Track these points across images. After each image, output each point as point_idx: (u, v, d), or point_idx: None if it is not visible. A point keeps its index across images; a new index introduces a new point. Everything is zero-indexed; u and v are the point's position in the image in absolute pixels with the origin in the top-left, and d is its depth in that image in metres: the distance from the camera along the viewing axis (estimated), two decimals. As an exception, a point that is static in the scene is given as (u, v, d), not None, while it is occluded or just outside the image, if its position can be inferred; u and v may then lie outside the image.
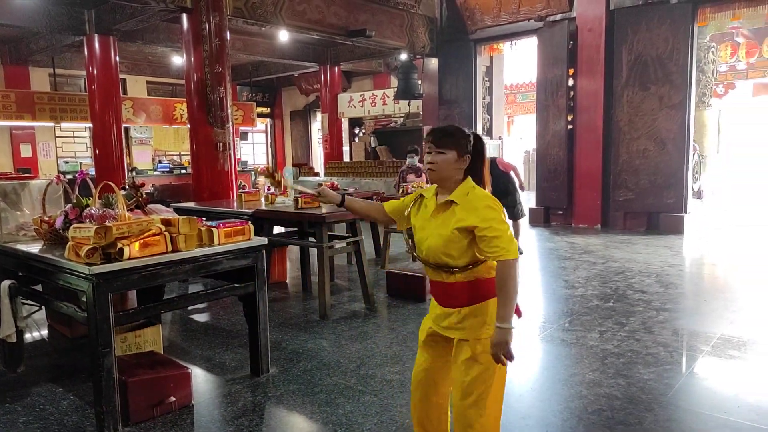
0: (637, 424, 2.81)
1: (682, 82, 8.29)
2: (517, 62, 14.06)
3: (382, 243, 6.91)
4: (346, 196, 2.34)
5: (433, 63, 11.16)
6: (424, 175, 7.85)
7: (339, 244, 5.34)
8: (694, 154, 9.40)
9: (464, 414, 1.99)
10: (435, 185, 2.10)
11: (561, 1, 9.18)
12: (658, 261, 6.61)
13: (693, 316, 4.70)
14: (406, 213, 2.21)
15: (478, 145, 2.06)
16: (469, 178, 2.04)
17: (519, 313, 2.11)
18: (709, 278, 6.25)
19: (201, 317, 5.01)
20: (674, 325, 4.37)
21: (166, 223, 2.93)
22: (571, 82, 9.31)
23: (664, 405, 3.02)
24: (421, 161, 8.29)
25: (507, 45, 10.76)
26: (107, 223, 2.70)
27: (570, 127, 9.38)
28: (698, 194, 9.92)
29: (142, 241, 2.73)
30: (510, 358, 1.89)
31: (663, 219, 8.62)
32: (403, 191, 6.89)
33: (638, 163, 8.73)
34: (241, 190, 6.76)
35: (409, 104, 12.22)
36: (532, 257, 7.25)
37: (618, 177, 8.93)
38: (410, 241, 2.21)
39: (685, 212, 8.52)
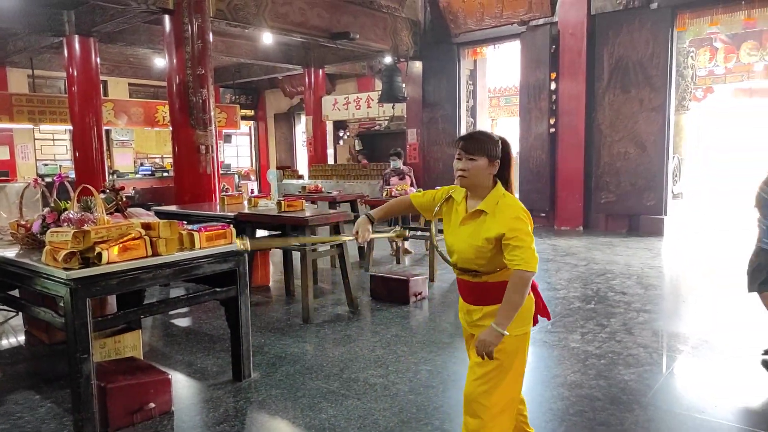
0: (617, 425, 2.83)
1: (662, 85, 8.41)
2: (501, 66, 14.15)
3: (365, 246, 6.90)
4: (370, 215, 2.36)
5: (417, 66, 11.19)
6: (407, 177, 7.87)
7: (322, 247, 5.34)
8: (673, 158, 9.52)
9: (474, 396, 2.05)
10: (464, 188, 2.14)
11: (543, 6, 9.26)
12: (638, 263, 6.69)
13: (672, 317, 4.77)
14: (435, 210, 2.25)
15: (506, 149, 2.10)
16: (499, 185, 2.08)
17: (548, 316, 2.27)
18: (688, 280, 6.34)
19: (182, 322, 4.95)
20: (654, 326, 4.42)
21: (146, 226, 2.90)
22: (553, 86, 9.39)
23: (644, 406, 3.05)
24: (405, 164, 8.31)
25: (490, 48, 10.83)
26: (85, 227, 2.67)
27: (552, 130, 9.46)
28: (678, 197, 10.06)
29: (121, 245, 2.70)
30: (490, 357, 1.96)
31: (643, 221, 8.74)
32: (387, 194, 6.89)
33: (619, 165, 8.84)
34: (223, 193, 6.72)
35: (393, 107, 12.24)
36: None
37: (599, 179, 9.03)
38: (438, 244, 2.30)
39: (665, 215, 8.64)
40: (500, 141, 2.09)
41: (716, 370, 3.59)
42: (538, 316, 2.24)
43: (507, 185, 2.10)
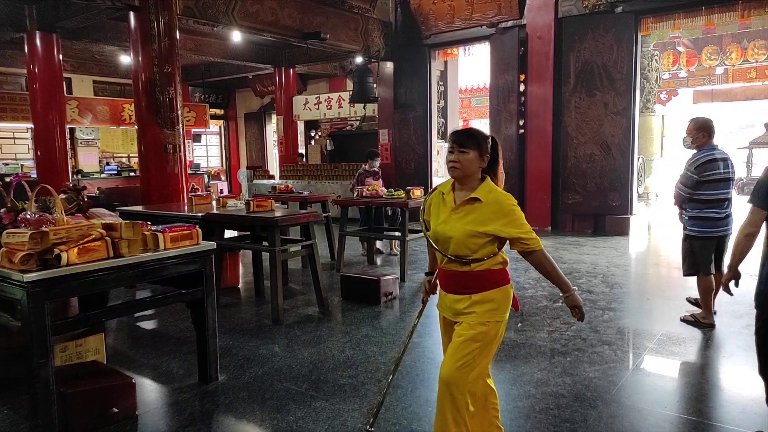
0: (582, 422, 2.89)
1: (626, 89, 8.61)
2: (472, 67, 14.29)
3: (336, 246, 6.88)
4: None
5: (389, 67, 11.21)
6: (380, 178, 7.85)
7: (293, 248, 5.30)
8: (638, 159, 9.75)
9: (453, 378, 2.14)
10: (451, 180, 2.30)
11: (512, 9, 9.38)
12: (604, 262, 6.83)
13: (637, 314, 4.87)
14: (423, 209, 2.43)
15: (495, 147, 2.28)
16: (488, 179, 2.25)
17: (517, 307, 2.39)
18: (652, 278, 6.50)
19: (148, 324, 4.86)
20: (619, 324, 4.52)
21: (108, 227, 2.83)
22: (522, 88, 9.52)
23: (608, 402, 3.11)
24: (380, 168, 8.23)
25: (461, 50, 10.92)
26: (44, 228, 2.59)
27: (521, 131, 9.59)
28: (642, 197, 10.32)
29: (81, 246, 2.63)
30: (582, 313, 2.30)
31: (609, 221, 8.92)
32: (358, 194, 6.87)
33: (585, 166, 9.01)
34: (192, 194, 6.61)
35: (364, 107, 12.24)
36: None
37: (567, 180, 9.18)
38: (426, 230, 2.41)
39: (631, 214, 8.84)
40: (490, 138, 2.26)
41: (679, 365, 3.69)
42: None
43: (495, 180, 2.27)
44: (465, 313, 2.21)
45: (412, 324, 2.53)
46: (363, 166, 7.92)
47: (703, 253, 4.36)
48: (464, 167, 2.19)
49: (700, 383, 3.44)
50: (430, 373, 3.51)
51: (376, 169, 7.86)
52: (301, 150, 14.66)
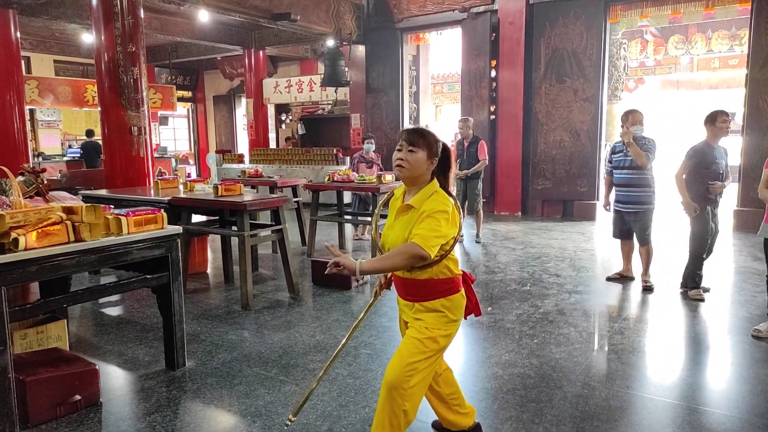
0: (547, 401, 2.94)
1: (595, 76, 8.72)
2: (444, 53, 14.26)
3: (307, 231, 6.83)
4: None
5: (360, 50, 11.10)
6: (375, 167, 7.67)
7: (262, 233, 5.23)
8: (605, 146, 9.91)
9: (398, 383, 2.04)
10: (403, 184, 2.21)
11: (484, -6, 9.37)
12: (572, 246, 6.95)
13: (602, 297, 4.98)
14: (379, 208, 2.40)
15: (446, 153, 2.17)
16: (435, 181, 2.14)
17: (478, 313, 2.32)
18: (617, 262, 6.62)
19: (113, 311, 4.76)
20: (584, 306, 4.61)
21: (69, 211, 2.74)
22: (493, 74, 9.55)
23: (573, 382, 3.18)
24: (376, 152, 8.08)
25: (433, 34, 10.87)
26: (-1, 211, 2.49)
27: (493, 117, 9.64)
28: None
29: (40, 230, 2.54)
30: (337, 269, 1.97)
31: (577, 206, 9.07)
32: (328, 179, 6.79)
33: (555, 153, 9.12)
34: (158, 177, 6.46)
35: (336, 91, 12.12)
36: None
37: (536, 166, 9.29)
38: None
39: (598, 200, 8.99)
40: (441, 143, 2.16)
41: (642, 346, 3.78)
42: (472, 312, 2.32)
43: (446, 183, 2.17)
44: (413, 319, 2.17)
45: (359, 318, 2.49)
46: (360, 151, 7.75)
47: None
48: (411, 167, 2.08)
49: (662, 363, 3.54)
50: (400, 356, 3.52)
51: (371, 155, 7.58)
52: (272, 134, 14.48)
